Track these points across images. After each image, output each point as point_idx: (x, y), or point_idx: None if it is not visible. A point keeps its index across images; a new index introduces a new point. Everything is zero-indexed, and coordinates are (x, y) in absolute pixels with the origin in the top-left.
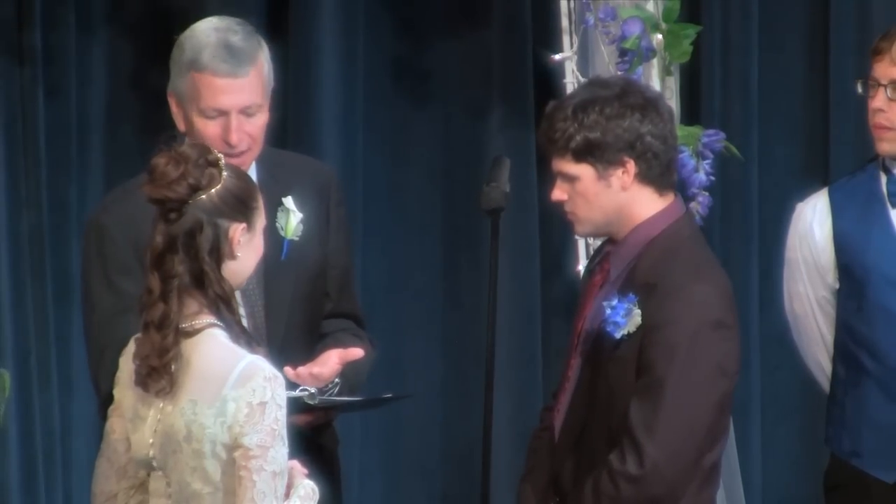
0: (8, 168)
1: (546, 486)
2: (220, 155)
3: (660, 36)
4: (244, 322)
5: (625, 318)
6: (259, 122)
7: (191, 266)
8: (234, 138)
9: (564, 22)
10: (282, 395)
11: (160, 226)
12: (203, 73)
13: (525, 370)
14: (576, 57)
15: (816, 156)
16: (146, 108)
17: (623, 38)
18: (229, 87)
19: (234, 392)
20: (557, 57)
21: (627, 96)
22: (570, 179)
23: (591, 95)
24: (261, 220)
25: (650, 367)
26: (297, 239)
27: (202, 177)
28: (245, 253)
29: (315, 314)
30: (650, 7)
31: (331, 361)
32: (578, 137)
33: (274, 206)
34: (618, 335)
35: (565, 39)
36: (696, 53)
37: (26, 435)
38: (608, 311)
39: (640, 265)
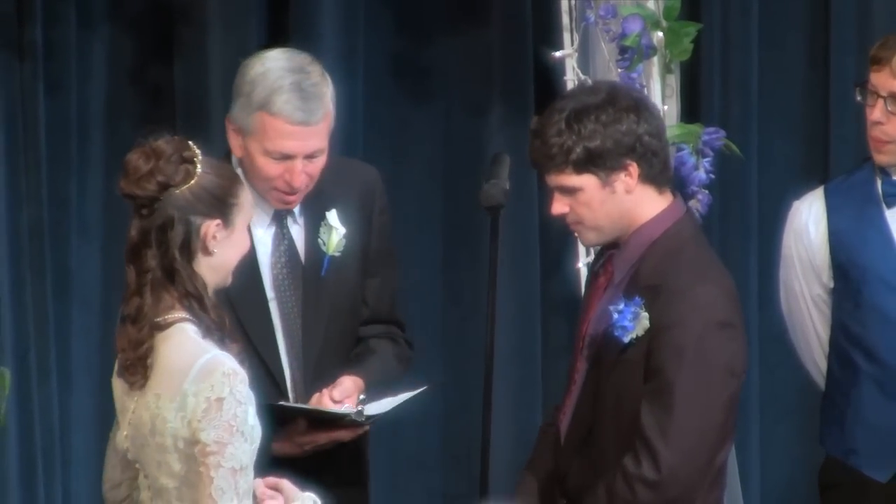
0: (8, 163)
1: (546, 479)
2: (197, 151)
3: (660, 34)
4: (273, 325)
5: (632, 321)
6: (320, 164)
7: (162, 261)
8: (297, 182)
9: (565, 19)
10: (242, 392)
11: (134, 220)
12: (275, 118)
13: (524, 367)
14: (576, 54)
15: (816, 154)
16: (147, 103)
17: (623, 35)
18: (300, 135)
19: (194, 387)
20: (558, 54)
21: (618, 100)
22: (572, 192)
23: (582, 104)
24: (242, 216)
25: (659, 370)
26: (338, 255)
27: (175, 173)
28: (223, 249)
29: (352, 327)
30: (651, 5)
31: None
32: (578, 149)
33: (316, 222)
34: (626, 339)
35: (566, 37)
36: (697, 51)
37: (25, 431)
38: (615, 316)
39: (643, 267)
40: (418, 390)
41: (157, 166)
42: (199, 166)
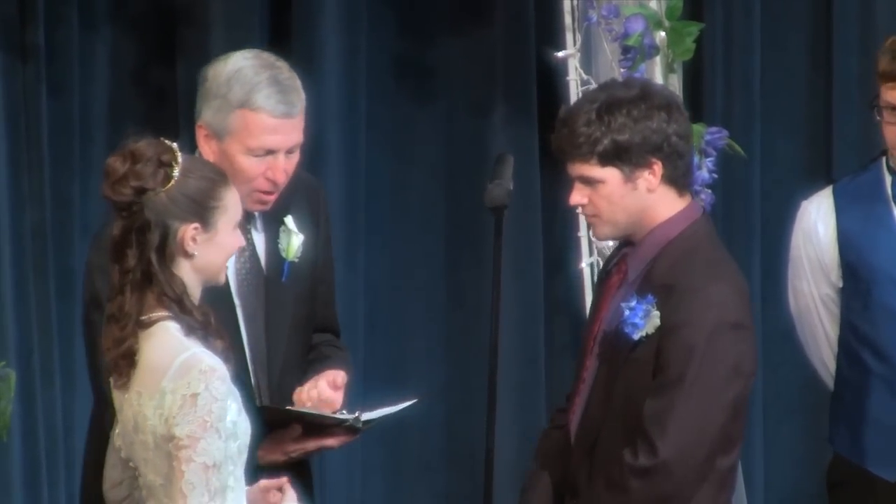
0: (11, 165)
1: (554, 490)
2: (177, 154)
3: (663, 33)
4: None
5: (643, 319)
6: (296, 160)
7: (139, 263)
8: (280, 178)
9: (567, 19)
10: (219, 389)
11: (117, 220)
12: (257, 113)
13: (528, 368)
14: (579, 54)
15: (819, 153)
16: (149, 104)
17: (626, 35)
18: (282, 128)
19: (172, 384)
20: (560, 54)
21: (651, 97)
22: (593, 183)
23: (614, 98)
24: (226, 218)
25: (666, 366)
26: (296, 260)
27: (151, 177)
28: (205, 251)
29: (309, 332)
30: (653, 4)
31: (331, 387)
32: (606, 141)
33: (275, 228)
34: (636, 336)
35: (568, 37)
36: (699, 51)
37: (29, 432)
38: (626, 313)
39: (657, 266)
40: (409, 402)
41: (133, 170)
42: (176, 170)
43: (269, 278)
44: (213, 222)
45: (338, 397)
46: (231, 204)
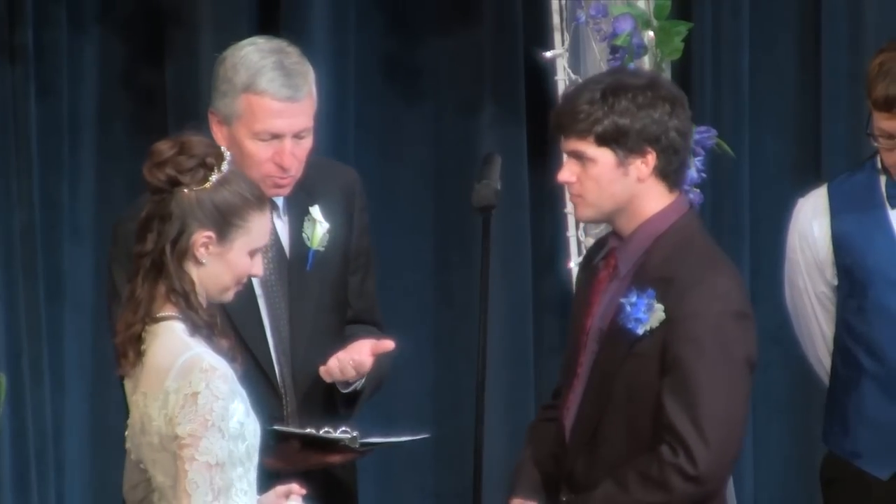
0: None
1: (544, 479)
2: (224, 163)
3: (651, 33)
4: (269, 318)
5: (646, 313)
6: (307, 146)
7: (154, 249)
8: (287, 162)
9: (556, 19)
10: (219, 387)
11: (149, 202)
12: (261, 97)
13: (517, 367)
14: (567, 54)
15: (807, 153)
16: (138, 106)
17: (614, 35)
18: (286, 112)
19: (175, 384)
20: (549, 54)
21: (658, 88)
22: (584, 161)
23: (622, 83)
24: (244, 239)
25: (678, 362)
26: (322, 249)
27: (188, 172)
28: (214, 264)
29: (339, 323)
30: (641, 4)
31: (364, 351)
32: (607, 122)
33: (300, 216)
34: (640, 331)
35: (556, 37)
36: (688, 50)
37: (18, 435)
38: (628, 309)
39: (651, 260)
40: (419, 436)
41: (175, 159)
42: (215, 175)
43: (293, 266)
44: (229, 238)
45: (367, 360)
46: (255, 228)
